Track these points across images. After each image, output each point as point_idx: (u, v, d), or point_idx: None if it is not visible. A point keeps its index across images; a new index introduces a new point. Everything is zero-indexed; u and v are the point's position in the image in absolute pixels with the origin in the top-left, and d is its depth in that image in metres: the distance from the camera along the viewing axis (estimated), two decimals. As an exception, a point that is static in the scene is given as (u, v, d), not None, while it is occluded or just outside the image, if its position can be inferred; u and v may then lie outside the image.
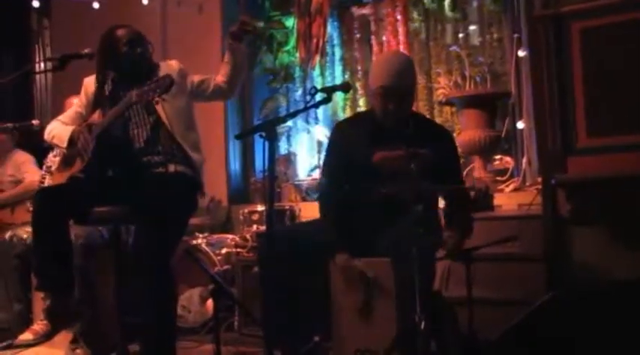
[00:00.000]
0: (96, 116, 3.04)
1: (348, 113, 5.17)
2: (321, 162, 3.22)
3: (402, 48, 4.96)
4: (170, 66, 3.11)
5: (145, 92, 2.76)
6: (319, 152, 5.21)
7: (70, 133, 2.97)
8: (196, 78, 3.18)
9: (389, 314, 2.63)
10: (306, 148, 5.39)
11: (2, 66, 6.10)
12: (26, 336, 3.81)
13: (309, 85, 5.32)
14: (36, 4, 5.82)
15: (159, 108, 2.97)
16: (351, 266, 2.75)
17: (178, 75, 3.03)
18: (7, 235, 4.01)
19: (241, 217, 4.38)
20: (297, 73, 5.47)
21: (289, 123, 5.27)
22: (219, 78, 3.19)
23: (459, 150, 4.55)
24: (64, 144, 2.99)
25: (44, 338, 3.84)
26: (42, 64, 5.98)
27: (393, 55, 3.05)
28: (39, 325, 3.87)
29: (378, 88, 2.81)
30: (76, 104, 3.18)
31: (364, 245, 2.79)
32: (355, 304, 2.72)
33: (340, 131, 3.10)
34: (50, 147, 4.31)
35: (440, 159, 2.67)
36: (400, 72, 2.79)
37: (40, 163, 4.32)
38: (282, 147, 5.43)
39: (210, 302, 3.86)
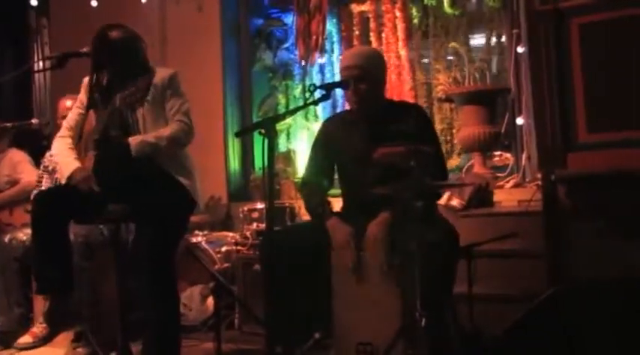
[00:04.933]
0: (91, 119, 3.03)
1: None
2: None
3: (401, 45, 4.96)
4: (162, 73, 3.04)
5: (127, 96, 2.80)
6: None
7: (69, 173, 2.92)
8: (170, 105, 3.01)
9: (390, 308, 2.64)
10: (306, 145, 5.38)
11: (1, 65, 6.10)
12: (25, 339, 3.79)
13: (308, 82, 5.32)
14: (34, 2, 5.81)
15: (139, 111, 2.96)
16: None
17: (167, 82, 2.99)
18: (7, 238, 3.97)
19: (241, 215, 4.37)
20: (297, 70, 5.47)
21: (289, 120, 5.26)
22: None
23: (459, 146, 4.60)
24: (63, 180, 2.97)
25: (43, 341, 3.82)
26: (41, 63, 5.99)
27: (356, 47, 3.12)
28: (38, 328, 3.84)
29: (342, 80, 2.90)
30: (75, 106, 3.16)
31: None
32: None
33: (327, 128, 3.13)
34: (48, 147, 4.30)
35: (419, 134, 2.78)
36: (359, 58, 2.87)
37: (37, 163, 4.30)
38: (282, 145, 5.42)
39: (210, 300, 3.86)
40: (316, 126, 5.20)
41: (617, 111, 2.97)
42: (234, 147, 5.40)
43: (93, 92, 3.01)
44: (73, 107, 3.22)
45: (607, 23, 2.97)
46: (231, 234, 4.47)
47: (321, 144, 3.09)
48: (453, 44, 4.84)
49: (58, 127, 3.92)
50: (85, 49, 2.98)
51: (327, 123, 3.22)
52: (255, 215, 4.26)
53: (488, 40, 4.84)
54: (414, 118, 2.92)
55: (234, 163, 5.41)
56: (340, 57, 3.04)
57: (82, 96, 3.13)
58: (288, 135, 5.47)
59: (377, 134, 2.86)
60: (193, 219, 3.95)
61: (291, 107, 5.28)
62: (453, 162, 4.84)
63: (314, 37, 5.13)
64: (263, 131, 2.29)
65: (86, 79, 3.14)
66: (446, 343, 2.59)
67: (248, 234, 4.14)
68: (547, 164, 3.22)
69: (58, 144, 3.10)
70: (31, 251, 3.50)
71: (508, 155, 4.58)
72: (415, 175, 2.47)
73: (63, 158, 3.02)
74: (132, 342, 3.02)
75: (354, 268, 2.72)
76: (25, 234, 3.93)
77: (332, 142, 3.04)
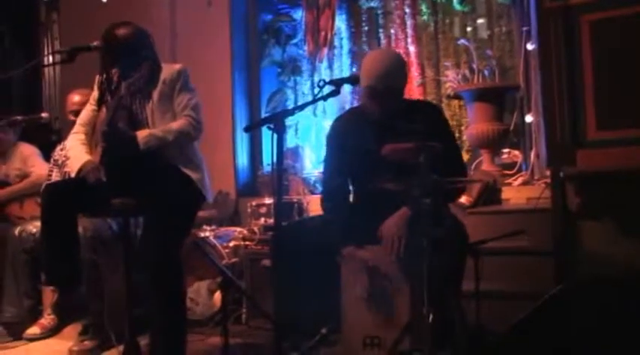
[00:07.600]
0: (102, 115, 3.05)
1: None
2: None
3: (410, 41, 4.96)
4: (170, 68, 3.07)
5: (131, 84, 2.87)
6: (327, 145, 5.20)
7: (79, 166, 2.97)
8: (178, 101, 3.04)
9: (397, 303, 2.65)
10: (314, 141, 5.39)
11: (11, 59, 6.12)
12: (33, 330, 3.82)
13: (317, 78, 5.32)
14: (44, -3, 5.83)
15: (148, 107, 2.99)
16: (355, 257, 2.77)
17: (175, 78, 3.02)
18: (17, 230, 3.99)
19: (249, 210, 4.38)
20: (305, 65, 5.47)
21: (297, 115, 5.25)
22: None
23: (467, 143, 4.59)
24: (74, 174, 3.00)
25: (51, 332, 3.85)
26: (51, 57, 6.00)
27: (381, 54, 3.03)
28: (46, 319, 3.88)
29: (364, 88, 2.86)
30: (89, 103, 3.18)
31: (372, 235, 2.80)
32: (360, 293, 2.74)
33: (338, 126, 3.12)
34: (58, 141, 4.32)
35: (431, 131, 2.72)
36: (385, 73, 2.80)
37: (47, 157, 4.33)
38: (290, 140, 5.43)
39: (218, 295, 3.87)
40: (325, 122, 5.21)
41: (626, 109, 2.96)
42: (242, 142, 5.40)
43: (103, 89, 3.03)
44: (83, 103, 3.23)
45: (617, 20, 2.96)
46: (239, 229, 4.47)
47: (335, 143, 3.07)
48: (462, 41, 4.83)
49: (67, 122, 3.94)
50: (95, 43, 2.99)
51: (339, 120, 3.21)
52: (263, 210, 4.27)
53: (498, 37, 4.82)
54: (426, 115, 2.92)
55: (243, 158, 5.41)
56: (366, 59, 2.97)
57: (95, 93, 3.15)
58: (296, 130, 5.47)
59: (387, 131, 2.86)
60: (201, 213, 3.97)
61: (300, 102, 5.28)
62: (461, 159, 4.84)
63: (323, 33, 5.14)
64: (272, 126, 2.29)
65: (99, 77, 3.16)
66: (452, 339, 2.59)
67: (256, 229, 4.15)
68: (556, 161, 3.21)
69: (70, 140, 3.14)
70: (40, 243, 3.52)
71: (517, 152, 4.57)
72: (422, 171, 2.47)
73: (74, 152, 3.05)
74: (139, 336, 3.04)
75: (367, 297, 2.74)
76: (34, 227, 3.94)
77: (344, 139, 3.03)
